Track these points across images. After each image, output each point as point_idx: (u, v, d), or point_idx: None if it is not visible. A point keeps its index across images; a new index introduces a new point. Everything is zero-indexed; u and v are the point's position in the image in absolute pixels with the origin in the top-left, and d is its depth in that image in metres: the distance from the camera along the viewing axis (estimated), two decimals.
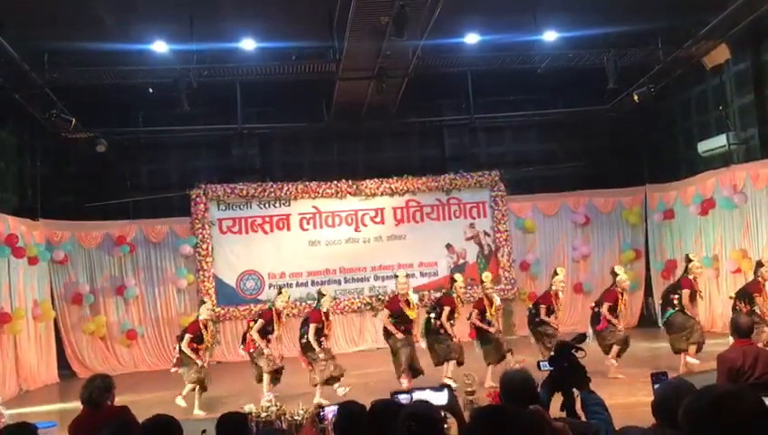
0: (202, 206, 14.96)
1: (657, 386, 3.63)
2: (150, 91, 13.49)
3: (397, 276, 10.63)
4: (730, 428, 1.73)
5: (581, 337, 3.96)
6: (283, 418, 5.59)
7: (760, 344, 7.74)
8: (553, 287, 10.70)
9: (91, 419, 4.43)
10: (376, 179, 15.57)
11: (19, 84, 11.86)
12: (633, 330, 15.00)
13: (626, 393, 8.38)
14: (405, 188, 15.68)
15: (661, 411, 3.02)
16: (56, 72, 11.92)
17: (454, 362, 9.82)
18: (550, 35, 12.76)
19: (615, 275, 10.61)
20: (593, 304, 10.83)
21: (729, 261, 13.10)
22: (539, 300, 11.07)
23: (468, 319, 10.28)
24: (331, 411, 4.38)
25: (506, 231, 15.86)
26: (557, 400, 3.71)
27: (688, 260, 10.59)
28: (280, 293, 10.28)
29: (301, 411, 5.59)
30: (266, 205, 15.37)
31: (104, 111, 14.02)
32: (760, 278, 9.88)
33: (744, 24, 11.65)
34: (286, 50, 12.65)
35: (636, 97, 13.82)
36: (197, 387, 9.47)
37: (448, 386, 4.01)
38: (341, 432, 3.62)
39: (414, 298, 10.12)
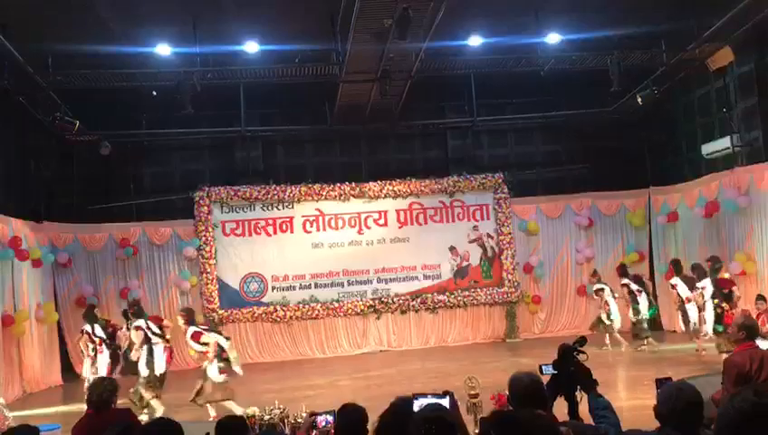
0: (205, 208, 14.97)
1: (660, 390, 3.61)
2: (154, 94, 13.53)
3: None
4: None
5: (582, 340, 3.94)
6: (285, 421, 5.57)
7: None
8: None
9: (96, 420, 4.43)
10: (379, 182, 15.56)
11: (23, 87, 11.90)
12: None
13: (629, 396, 8.36)
14: (408, 191, 15.66)
15: (664, 414, 3.00)
16: (60, 75, 11.98)
17: None
18: (553, 38, 12.77)
19: None
20: None
21: (734, 263, 13.04)
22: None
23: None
24: (323, 420, 4.40)
25: (510, 233, 15.81)
26: (560, 404, 3.69)
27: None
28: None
29: (303, 415, 5.59)
30: (269, 207, 15.36)
31: (108, 113, 14.03)
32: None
33: (747, 26, 11.63)
34: (289, 53, 12.68)
35: (639, 99, 13.81)
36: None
37: (451, 393, 4.00)
38: None
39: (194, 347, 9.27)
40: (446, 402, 3.75)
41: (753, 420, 1.69)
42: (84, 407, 4.84)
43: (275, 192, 15.23)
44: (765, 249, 12.29)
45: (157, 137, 15.18)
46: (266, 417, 5.63)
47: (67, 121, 12.56)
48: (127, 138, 14.78)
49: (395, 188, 15.59)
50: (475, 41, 12.80)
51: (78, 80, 12.19)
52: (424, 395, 3.92)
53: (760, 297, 11.14)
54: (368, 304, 15.23)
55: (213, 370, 8.87)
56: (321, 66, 12.83)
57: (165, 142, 15.46)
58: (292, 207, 15.42)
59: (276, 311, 14.93)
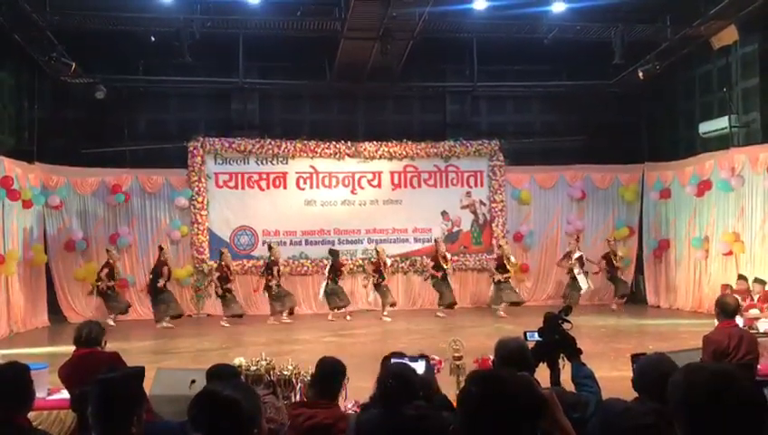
0: (199, 158, 14.88)
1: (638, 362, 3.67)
2: (153, 39, 13.32)
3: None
4: (729, 410, 1.69)
5: (568, 309, 4.00)
6: (272, 372, 5.64)
7: None
8: None
9: (85, 361, 4.45)
10: (375, 142, 15.49)
11: (20, 25, 11.69)
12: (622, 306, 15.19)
13: (610, 368, 8.48)
14: (404, 153, 15.61)
15: (642, 385, 3.06)
16: (58, 15, 11.75)
17: None
18: (558, 6, 12.62)
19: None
20: None
21: (720, 243, 13.16)
22: None
23: None
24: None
25: (502, 201, 15.85)
26: (542, 371, 3.76)
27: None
28: None
29: (290, 367, 5.65)
30: (264, 161, 15.30)
31: (104, 57, 13.84)
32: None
33: (754, 5, 11.53)
34: (291, 5, 12.49)
35: (640, 74, 13.74)
36: None
37: (426, 357, 4.07)
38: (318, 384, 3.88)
39: None
40: (421, 365, 3.81)
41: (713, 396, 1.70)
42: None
43: (270, 147, 15.14)
44: (754, 231, 12.38)
45: (153, 83, 14.98)
46: (252, 368, 5.68)
47: (63, 63, 12.39)
48: (122, 83, 14.57)
49: (390, 150, 15.54)
50: (480, 4, 12.64)
51: (76, 20, 11.98)
52: (402, 356, 4.00)
53: (741, 277, 11.16)
54: (356, 264, 15.30)
55: None
56: (323, 21, 12.67)
57: (161, 89, 15.26)
58: (287, 162, 15.36)
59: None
